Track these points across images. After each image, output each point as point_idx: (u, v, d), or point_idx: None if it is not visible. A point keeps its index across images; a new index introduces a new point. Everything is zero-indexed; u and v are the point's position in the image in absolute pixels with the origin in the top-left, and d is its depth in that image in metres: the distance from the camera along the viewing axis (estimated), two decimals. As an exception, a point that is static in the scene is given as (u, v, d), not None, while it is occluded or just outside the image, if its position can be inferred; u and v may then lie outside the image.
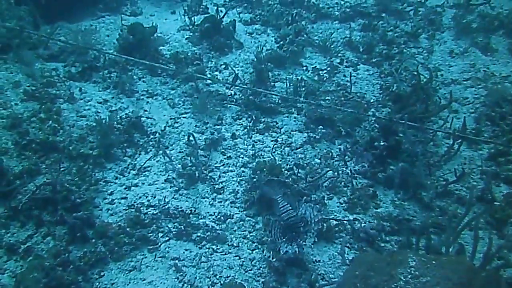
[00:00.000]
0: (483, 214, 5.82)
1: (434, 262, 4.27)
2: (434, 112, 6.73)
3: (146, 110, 6.93)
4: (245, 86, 7.29)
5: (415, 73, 7.14)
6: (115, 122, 6.50)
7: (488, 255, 4.90)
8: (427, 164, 6.30)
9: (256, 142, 6.77)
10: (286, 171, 6.26)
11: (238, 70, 7.70)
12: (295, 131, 6.98)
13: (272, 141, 6.81)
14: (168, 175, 6.25)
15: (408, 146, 6.29)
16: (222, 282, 5.44)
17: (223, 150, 6.65)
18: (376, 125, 6.68)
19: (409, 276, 4.26)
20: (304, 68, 7.91)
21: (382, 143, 6.34)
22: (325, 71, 7.80)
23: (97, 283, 5.37)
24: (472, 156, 6.67)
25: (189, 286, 5.42)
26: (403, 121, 6.37)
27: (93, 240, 5.59)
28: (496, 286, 3.91)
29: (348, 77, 7.62)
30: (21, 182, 5.76)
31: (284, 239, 5.53)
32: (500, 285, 3.91)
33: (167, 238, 5.77)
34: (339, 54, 8.19)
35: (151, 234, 5.72)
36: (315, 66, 7.89)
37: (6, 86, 6.64)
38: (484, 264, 4.91)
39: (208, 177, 6.30)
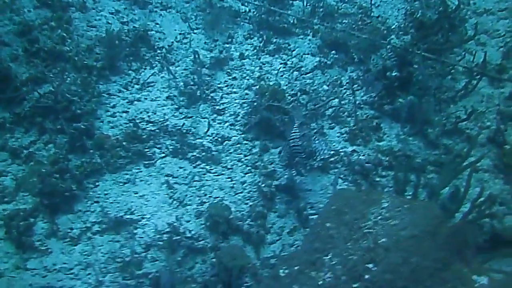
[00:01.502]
0: (482, 158, 5.54)
1: (406, 206, 4.17)
2: (455, 43, 6.26)
3: (157, 24, 6.81)
4: (257, 4, 6.97)
5: (445, -2, 6.63)
6: (123, 34, 6.45)
7: (475, 203, 4.76)
8: (438, 99, 5.98)
9: (264, 64, 6.57)
10: (289, 97, 6.11)
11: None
12: (308, 54, 6.70)
13: (281, 63, 6.59)
14: (170, 92, 6.26)
15: (420, 78, 5.96)
16: (210, 202, 5.58)
17: (229, 70, 6.51)
18: (392, 53, 6.31)
19: (379, 217, 4.19)
20: None
21: (394, 74, 6.04)
22: None
23: (91, 192, 5.63)
24: (491, 94, 6.25)
25: (178, 203, 5.61)
26: (419, 51, 5.99)
27: (91, 151, 5.81)
28: (463, 238, 3.80)
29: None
30: (27, 89, 5.95)
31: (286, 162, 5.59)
32: (467, 237, 3.79)
33: (163, 155, 5.92)
34: (367, -27, 7.58)
35: (147, 150, 5.87)
36: None
37: (20, -8, 6.65)
38: (469, 211, 4.78)
39: (209, 97, 6.26)
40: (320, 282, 4.03)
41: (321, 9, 6.91)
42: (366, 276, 3.84)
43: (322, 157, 5.66)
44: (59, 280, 5.16)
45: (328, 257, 4.16)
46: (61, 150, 5.71)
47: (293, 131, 5.41)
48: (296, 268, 4.28)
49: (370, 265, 3.86)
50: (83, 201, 5.54)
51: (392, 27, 6.73)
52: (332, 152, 5.81)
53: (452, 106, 6.08)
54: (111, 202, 5.54)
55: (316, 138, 5.79)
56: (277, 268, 4.44)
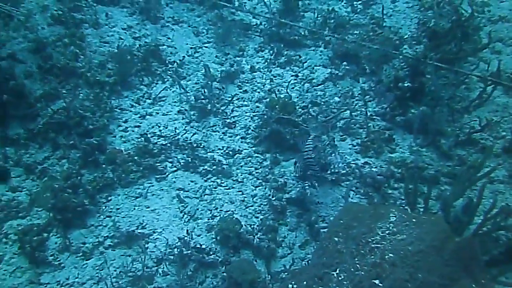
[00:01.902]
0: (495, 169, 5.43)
1: (414, 220, 4.10)
2: (468, 52, 6.16)
3: (169, 38, 6.88)
4: (268, 16, 6.97)
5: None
6: (135, 50, 6.52)
7: (487, 216, 4.65)
8: (451, 109, 5.88)
9: (275, 77, 6.57)
10: (300, 109, 6.08)
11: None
12: (319, 66, 6.68)
13: (292, 76, 6.58)
14: (181, 107, 6.29)
15: (433, 88, 5.87)
16: (221, 216, 5.57)
17: (240, 83, 6.54)
18: (405, 64, 6.23)
19: (386, 232, 4.12)
20: None
21: (406, 84, 5.96)
22: (360, 2, 7.26)
23: (104, 207, 5.69)
24: (506, 103, 6.13)
25: (189, 217, 5.62)
26: (430, 61, 5.91)
27: (104, 166, 5.86)
28: (470, 253, 3.71)
29: (384, 9, 7.00)
30: (41, 105, 6.04)
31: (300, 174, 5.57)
32: (474, 253, 3.70)
33: (175, 169, 5.94)
34: (379, -17, 7.54)
35: (159, 164, 5.90)
36: None
37: (35, 10, 6.74)
38: (482, 223, 4.68)
39: (220, 110, 6.27)
40: (327, 298, 4.00)
41: (332, 20, 6.89)
42: (373, 292, 3.80)
43: (336, 171, 5.64)
44: (71, 294, 5.24)
45: (336, 272, 4.12)
46: (74, 165, 5.78)
47: (307, 143, 5.39)
48: (304, 283, 4.26)
49: (377, 281, 3.82)
50: (95, 216, 5.60)
51: (405, 37, 6.66)
52: (346, 166, 5.79)
53: (466, 116, 5.97)
54: (123, 217, 5.58)
55: (331, 151, 5.78)
56: (286, 283, 4.42)
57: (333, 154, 5.73)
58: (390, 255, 3.93)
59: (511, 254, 5.08)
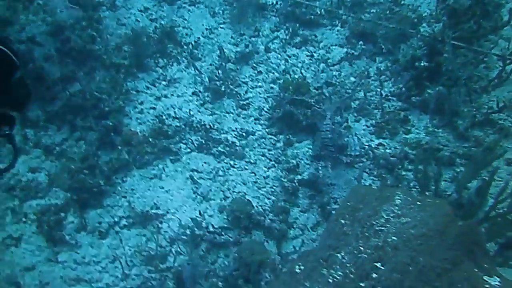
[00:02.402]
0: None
1: (418, 203, 4.04)
2: (488, 30, 5.95)
3: (185, 19, 6.86)
4: None
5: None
6: (151, 32, 6.56)
7: (498, 198, 4.55)
8: (468, 89, 5.71)
9: (290, 57, 6.50)
10: (314, 90, 6.03)
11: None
12: (335, 45, 6.56)
13: (308, 56, 6.50)
14: (195, 88, 6.31)
15: (450, 68, 5.71)
16: (234, 197, 5.61)
17: (255, 64, 6.50)
18: (422, 43, 6.06)
19: (391, 215, 4.07)
20: None
21: (422, 64, 5.82)
22: None
23: (119, 188, 5.80)
24: (528, 82, 5.94)
25: (202, 198, 5.68)
26: (448, 40, 5.75)
27: (119, 147, 5.95)
28: (473, 238, 3.64)
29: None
30: (59, 88, 6.15)
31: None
32: (477, 237, 3.63)
33: (189, 150, 5.99)
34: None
35: (173, 145, 5.96)
36: None
37: (54, -8, 6.87)
38: (493, 206, 4.58)
39: (234, 92, 6.27)
40: (330, 280, 3.99)
41: (348, -1, 6.74)
42: (374, 275, 3.77)
43: (352, 153, 5.60)
44: (88, 272, 5.37)
45: (341, 254, 4.12)
46: (91, 147, 5.91)
47: (325, 123, 5.36)
48: (310, 264, 4.27)
49: (378, 264, 3.80)
50: (111, 196, 5.74)
51: (424, 15, 6.46)
52: (362, 149, 5.74)
53: (485, 96, 5.80)
54: (138, 197, 5.70)
55: (349, 133, 5.74)
56: (294, 264, 4.44)
57: (350, 136, 5.69)
58: (393, 238, 3.89)
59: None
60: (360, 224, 4.21)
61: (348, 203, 4.52)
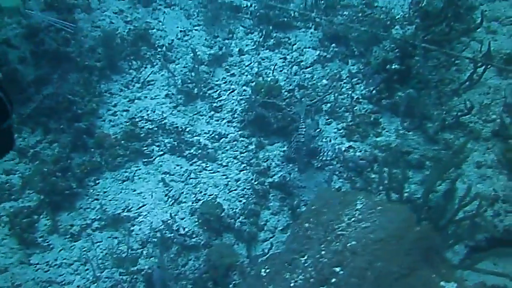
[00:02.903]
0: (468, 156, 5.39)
1: (379, 207, 4.09)
2: (459, 33, 5.99)
3: (160, 21, 6.86)
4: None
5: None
6: (125, 34, 6.56)
7: (462, 203, 4.59)
8: (439, 92, 5.76)
9: (263, 59, 6.51)
10: (286, 93, 6.05)
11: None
12: (309, 48, 6.59)
13: (281, 58, 6.51)
14: (168, 90, 6.32)
15: (420, 71, 5.75)
16: (205, 200, 5.64)
17: (228, 67, 6.52)
18: (394, 45, 6.09)
19: (352, 219, 4.13)
20: None
21: (393, 66, 5.85)
22: None
23: (92, 190, 5.81)
24: (499, 85, 5.94)
25: (173, 201, 5.71)
26: (419, 43, 5.78)
27: (92, 150, 5.96)
28: (430, 243, 3.69)
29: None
30: (32, 90, 6.14)
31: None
32: (435, 243, 3.67)
33: (161, 153, 6.01)
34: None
35: (145, 148, 5.97)
36: None
37: (28, -5, 6.85)
38: (456, 211, 4.62)
39: (207, 94, 6.28)
40: (292, 284, 4.03)
41: (322, 1, 6.74)
42: (333, 280, 3.82)
43: (325, 158, 5.62)
44: (60, 275, 5.39)
45: (304, 258, 4.16)
46: (64, 149, 5.90)
47: (297, 126, 5.40)
48: (275, 268, 4.31)
49: (337, 269, 3.84)
50: (84, 199, 5.74)
51: (397, 18, 6.49)
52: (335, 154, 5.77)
53: (456, 99, 5.85)
54: (110, 200, 5.71)
55: (323, 137, 5.77)
56: (260, 267, 4.48)
57: (324, 140, 5.73)
58: (353, 242, 3.93)
59: (493, 241, 5.08)
60: (323, 228, 4.26)
61: (313, 207, 4.57)
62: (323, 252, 4.05)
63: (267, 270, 4.36)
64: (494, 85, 5.96)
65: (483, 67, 5.83)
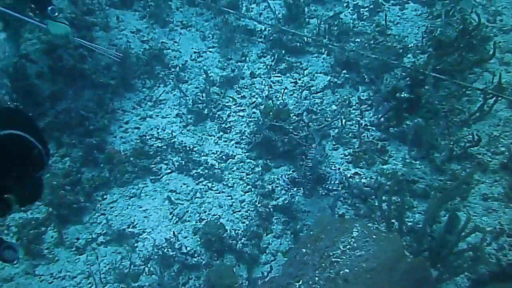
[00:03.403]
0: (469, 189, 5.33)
1: (374, 236, 4.08)
2: (471, 63, 5.97)
3: (176, 42, 7.01)
4: (268, 24, 7.02)
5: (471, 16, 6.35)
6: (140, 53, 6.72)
7: (461, 234, 4.55)
8: (448, 122, 5.72)
9: (274, 83, 6.60)
10: (294, 117, 6.09)
11: (275, 1, 7.34)
12: (320, 73, 6.64)
13: (292, 82, 6.58)
14: (179, 110, 6.43)
15: (429, 100, 5.73)
16: (209, 219, 5.68)
17: (239, 89, 6.61)
18: (405, 74, 6.10)
19: (347, 247, 4.13)
20: (345, 4, 7.28)
21: (403, 95, 5.85)
22: (367, 9, 7.14)
23: (99, 205, 5.91)
24: (509, 117, 5.88)
25: (177, 219, 5.76)
26: (429, 72, 5.77)
27: (102, 165, 6.08)
28: (421, 274, 3.66)
29: (391, 17, 6.94)
30: (48, 105, 6.31)
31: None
32: (426, 273, 3.64)
33: (169, 171, 6.09)
34: (389, -10, 7.36)
35: (154, 166, 6.07)
36: (357, 3, 7.22)
37: (50, 13, 7.04)
38: (455, 243, 4.58)
39: (217, 115, 6.37)
40: (284, 309, 4.05)
41: (335, 27, 6.81)
42: (324, 307, 3.82)
43: (331, 187, 5.62)
44: (63, 287, 5.47)
45: (298, 283, 4.16)
46: (75, 164, 6.04)
47: (310, 152, 5.44)
48: (271, 292, 4.33)
49: (329, 296, 3.84)
50: (91, 213, 5.84)
51: (409, 46, 6.53)
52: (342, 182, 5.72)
53: (465, 130, 5.81)
54: (116, 215, 5.79)
55: (331, 164, 5.79)
56: (257, 290, 4.51)
57: (332, 168, 5.75)
58: (346, 270, 3.93)
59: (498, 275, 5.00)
60: (319, 254, 4.27)
61: (311, 232, 4.59)
62: (316, 279, 4.06)
63: (263, 293, 4.40)
64: (505, 117, 5.92)
65: (494, 98, 5.82)
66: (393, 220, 5.20)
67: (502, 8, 6.89)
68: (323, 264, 4.13)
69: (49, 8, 5.37)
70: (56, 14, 5.45)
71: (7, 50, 6.29)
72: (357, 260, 3.96)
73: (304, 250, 4.42)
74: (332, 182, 5.52)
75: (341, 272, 3.89)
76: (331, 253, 4.16)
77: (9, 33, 6.40)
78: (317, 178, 5.47)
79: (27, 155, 2.72)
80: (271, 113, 5.96)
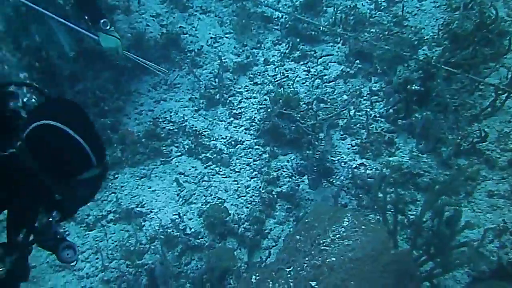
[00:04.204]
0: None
1: (363, 227, 4.12)
2: (484, 58, 5.85)
3: (194, 27, 7.11)
4: (283, 11, 7.02)
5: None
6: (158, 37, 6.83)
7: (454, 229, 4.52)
8: (457, 116, 5.65)
9: (287, 71, 6.63)
10: (304, 105, 6.13)
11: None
12: (334, 62, 6.63)
13: (305, 71, 6.60)
14: (192, 94, 6.55)
15: (439, 93, 5.67)
16: (214, 202, 5.80)
17: (252, 75, 6.67)
18: (418, 66, 6.02)
19: (337, 236, 4.20)
20: None
21: (414, 87, 5.80)
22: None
23: (110, 183, 6.10)
24: (521, 114, 5.80)
25: (184, 201, 5.90)
26: (439, 65, 5.71)
27: (115, 145, 6.27)
28: (404, 267, 3.68)
29: (409, 8, 6.81)
30: (67, 85, 6.52)
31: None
32: (409, 267, 3.67)
33: (179, 154, 6.23)
34: (409, -20, 7.18)
35: (164, 148, 6.22)
36: None
37: (73, -6, 7.23)
38: (452, 236, 4.55)
39: (228, 101, 6.46)
40: (272, 293, 4.15)
41: (351, 17, 6.76)
42: (307, 293, 3.90)
43: (337, 182, 5.65)
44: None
45: (289, 269, 4.25)
46: (89, 143, 6.23)
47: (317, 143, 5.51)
48: (263, 276, 4.42)
49: (313, 283, 3.91)
50: (102, 191, 6.02)
51: (425, 38, 6.44)
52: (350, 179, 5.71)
53: (476, 125, 5.74)
54: (126, 194, 5.97)
55: (339, 160, 5.83)
56: (252, 274, 4.60)
57: (339, 162, 5.79)
58: (332, 259, 4.00)
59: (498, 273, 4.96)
60: (311, 241, 4.35)
61: (307, 220, 4.66)
62: (305, 265, 4.14)
63: (257, 277, 4.50)
64: (517, 113, 5.83)
65: (505, 94, 5.71)
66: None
67: (524, 1, 6.65)
68: (312, 252, 4.21)
69: (102, 21, 5.57)
70: (108, 27, 5.61)
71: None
72: (344, 249, 4.02)
73: (298, 237, 4.50)
74: (339, 177, 5.57)
75: (327, 260, 3.97)
76: (321, 241, 4.23)
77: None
78: (324, 171, 5.54)
79: (62, 151, 2.24)
80: (280, 101, 6.03)
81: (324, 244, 4.15)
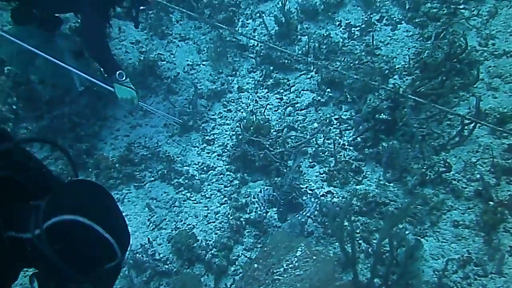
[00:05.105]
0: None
1: (314, 257, 4.20)
2: (451, 88, 5.94)
3: (172, 54, 7.27)
4: (257, 40, 7.16)
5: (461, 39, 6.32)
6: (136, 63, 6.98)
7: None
8: (423, 146, 5.72)
9: (260, 98, 6.75)
10: (275, 132, 6.23)
11: (270, 20, 7.46)
12: (306, 90, 6.75)
13: (277, 99, 6.72)
14: (167, 121, 6.66)
15: (406, 123, 5.76)
16: (184, 229, 5.86)
17: (226, 102, 6.80)
18: (387, 96, 6.11)
19: (290, 265, 4.27)
20: (337, 23, 7.32)
21: (382, 116, 5.88)
22: (358, 28, 7.15)
23: (84, 208, 6.18)
24: (489, 144, 5.84)
25: (154, 226, 5.99)
26: (406, 94, 5.80)
27: (90, 170, 6.37)
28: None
29: (382, 37, 6.98)
30: (45, 110, 6.65)
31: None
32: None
33: (152, 179, 6.32)
34: (382, 10, 7.29)
35: (138, 173, 6.31)
36: (350, 22, 7.25)
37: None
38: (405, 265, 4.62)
39: (201, 127, 6.57)
40: (226, 322, 4.21)
41: (324, 46, 6.89)
42: (255, 323, 3.96)
43: (306, 217, 5.61)
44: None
45: (245, 298, 4.32)
46: (66, 167, 6.34)
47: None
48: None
49: (263, 313, 3.98)
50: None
51: (397, 67, 6.55)
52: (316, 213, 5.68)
53: (443, 154, 5.81)
54: (99, 219, 6.04)
55: (309, 194, 5.82)
56: (213, 301, 4.68)
57: (308, 196, 5.67)
58: (283, 289, 4.07)
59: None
60: (266, 270, 4.42)
61: (265, 249, 4.73)
62: (258, 295, 4.22)
63: (218, 305, 4.58)
64: (485, 143, 5.85)
65: (472, 124, 5.78)
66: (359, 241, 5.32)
67: (496, 32, 6.74)
68: (267, 281, 4.28)
69: (118, 72, 5.76)
70: (124, 78, 5.79)
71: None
72: (295, 279, 4.10)
73: (256, 265, 4.57)
74: (307, 210, 5.58)
75: (277, 291, 4.04)
76: (275, 271, 4.31)
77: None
78: (291, 204, 5.54)
79: (88, 248, 2.14)
80: (251, 128, 6.13)
81: (278, 273, 4.22)
